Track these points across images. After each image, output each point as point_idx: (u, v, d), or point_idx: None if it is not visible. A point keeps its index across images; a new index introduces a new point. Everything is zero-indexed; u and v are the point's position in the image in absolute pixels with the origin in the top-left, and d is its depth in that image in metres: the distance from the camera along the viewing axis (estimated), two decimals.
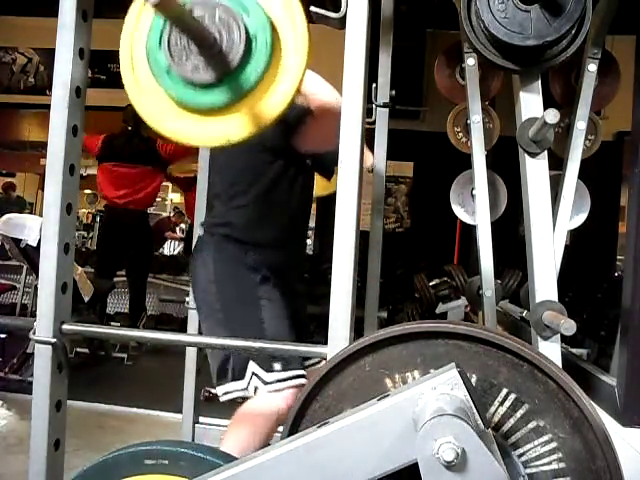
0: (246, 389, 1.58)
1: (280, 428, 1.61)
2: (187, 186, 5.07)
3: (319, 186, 2.04)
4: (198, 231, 1.90)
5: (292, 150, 1.68)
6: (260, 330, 1.59)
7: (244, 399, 1.61)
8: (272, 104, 0.89)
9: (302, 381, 1.58)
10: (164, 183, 4.86)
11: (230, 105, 0.88)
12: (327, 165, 1.90)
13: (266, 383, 1.56)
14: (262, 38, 0.86)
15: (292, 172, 1.73)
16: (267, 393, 1.56)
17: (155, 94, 0.91)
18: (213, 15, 0.85)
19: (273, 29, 0.87)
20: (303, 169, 1.78)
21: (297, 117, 1.56)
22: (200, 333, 1.94)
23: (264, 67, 0.87)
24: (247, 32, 0.85)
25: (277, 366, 1.56)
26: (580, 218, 1.77)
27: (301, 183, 1.77)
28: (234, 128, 0.90)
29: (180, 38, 0.85)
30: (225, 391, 1.62)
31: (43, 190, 1.12)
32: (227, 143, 0.91)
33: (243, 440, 1.51)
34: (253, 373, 1.57)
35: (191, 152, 4.55)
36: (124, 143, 4.53)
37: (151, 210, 5.13)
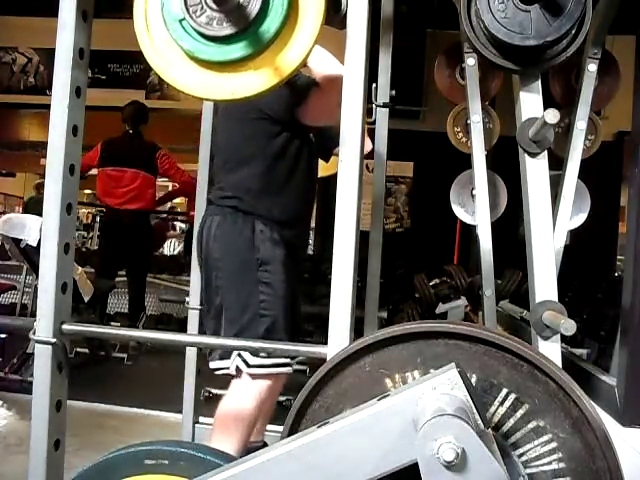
0: (229, 368, 1.65)
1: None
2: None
3: (321, 167, 2.03)
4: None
5: (297, 123, 1.69)
6: (256, 308, 1.63)
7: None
8: (290, 57, 0.90)
9: (286, 370, 1.62)
10: (164, 183, 4.85)
11: (249, 58, 0.89)
12: (326, 144, 1.90)
13: (249, 365, 1.61)
14: None
15: (297, 145, 1.74)
16: (247, 376, 1.62)
17: (168, 47, 0.92)
18: None
19: None
20: (308, 143, 1.79)
21: (302, 88, 1.59)
22: (201, 333, 1.94)
23: (282, 19, 0.88)
24: None
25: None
26: (580, 218, 1.76)
27: (306, 158, 1.78)
28: (253, 82, 0.90)
29: None
30: (215, 367, 1.70)
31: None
32: (244, 98, 0.92)
33: (230, 448, 1.54)
34: (239, 354, 1.61)
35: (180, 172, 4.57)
36: (124, 147, 4.49)
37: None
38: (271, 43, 0.89)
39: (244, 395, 1.62)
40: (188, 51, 0.90)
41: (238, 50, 0.89)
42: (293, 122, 1.68)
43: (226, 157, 1.79)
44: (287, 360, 1.65)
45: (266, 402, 1.67)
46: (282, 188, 1.73)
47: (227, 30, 0.88)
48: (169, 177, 4.63)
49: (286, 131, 1.71)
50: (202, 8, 0.87)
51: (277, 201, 1.72)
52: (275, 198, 1.71)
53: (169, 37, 0.91)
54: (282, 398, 3.26)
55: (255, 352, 1.59)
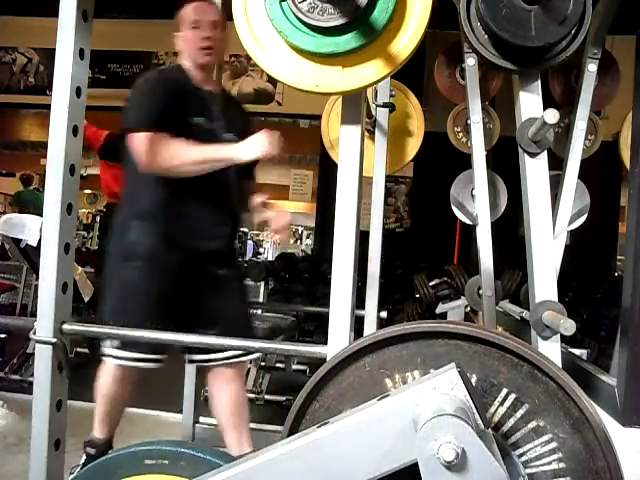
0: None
1: None
2: None
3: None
4: None
5: None
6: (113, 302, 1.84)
7: None
8: (401, 45, 0.90)
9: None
10: None
11: (362, 48, 0.89)
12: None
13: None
14: None
15: None
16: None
17: (278, 50, 0.91)
18: None
19: None
20: None
21: (125, 121, 1.82)
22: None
23: (393, 6, 0.87)
24: None
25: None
26: (580, 218, 1.76)
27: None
28: (369, 72, 0.90)
29: None
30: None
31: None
32: (363, 88, 0.92)
33: None
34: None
35: None
36: (124, 145, 4.53)
37: None
38: (382, 32, 0.88)
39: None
40: (300, 47, 0.89)
41: (349, 41, 0.87)
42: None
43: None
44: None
45: None
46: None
47: (337, 21, 0.85)
48: None
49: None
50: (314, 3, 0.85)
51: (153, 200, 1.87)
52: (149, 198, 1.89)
53: (267, 19, 0.89)
54: (282, 398, 3.26)
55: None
